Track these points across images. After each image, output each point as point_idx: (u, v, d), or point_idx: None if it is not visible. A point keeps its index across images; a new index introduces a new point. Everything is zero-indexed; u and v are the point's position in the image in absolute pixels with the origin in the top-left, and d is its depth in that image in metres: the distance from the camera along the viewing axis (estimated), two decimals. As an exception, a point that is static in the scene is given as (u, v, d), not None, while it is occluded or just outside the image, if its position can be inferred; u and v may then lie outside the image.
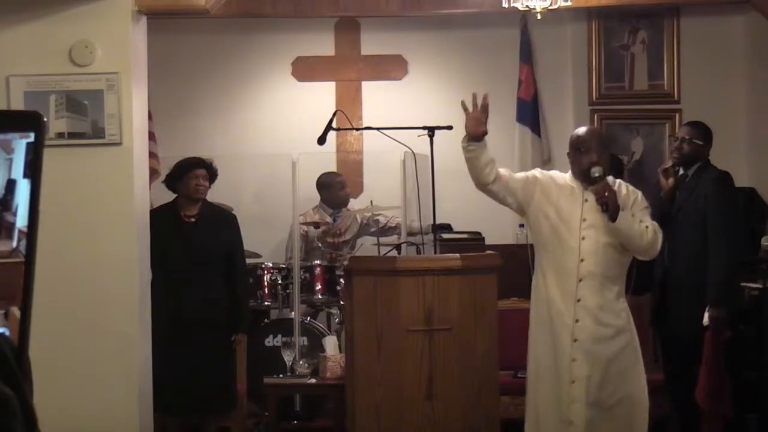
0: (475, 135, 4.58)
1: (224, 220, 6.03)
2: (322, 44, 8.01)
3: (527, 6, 6.41)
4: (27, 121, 1.36)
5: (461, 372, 4.89)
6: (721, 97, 7.77)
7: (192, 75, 7.91)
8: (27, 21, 5.13)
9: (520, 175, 4.81)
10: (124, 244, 5.14)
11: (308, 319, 6.82)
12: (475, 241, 5.91)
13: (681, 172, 5.78)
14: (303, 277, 6.70)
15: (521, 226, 6.83)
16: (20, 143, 1.34)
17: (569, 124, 7.54)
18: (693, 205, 5.64)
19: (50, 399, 4.02)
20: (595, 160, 4.60)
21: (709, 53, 7.84)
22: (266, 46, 7.96)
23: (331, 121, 5.73)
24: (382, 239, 6.69)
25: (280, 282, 6.78)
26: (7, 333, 1.31)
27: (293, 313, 6.59)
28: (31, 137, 1.34)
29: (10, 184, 1.33)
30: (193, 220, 5.91)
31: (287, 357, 6.02)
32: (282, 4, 7.09)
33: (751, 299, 6.19)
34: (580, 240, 4.60)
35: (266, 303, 6.85)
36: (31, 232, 1.31)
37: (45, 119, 1.36)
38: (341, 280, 6.51)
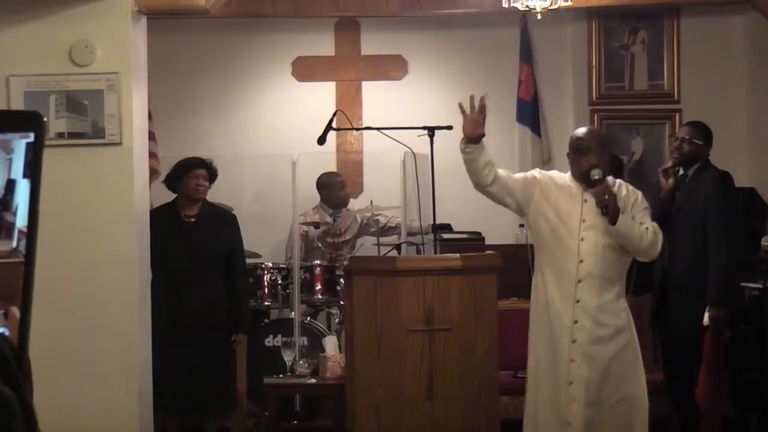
0: (473, 137, 4.58)
1: (224, 220, 6.03)
2: (322, 44, 8.01)
3: (527, 6, 6.41)
4: (27, 121, 1.36)
5: (461, 372, 4.89)
6: (721, 97, 7.77)
7: (192, 75, 7.91)
8: (27, 21, 5.13)
9: (519, 175, 4.81)
10: (124, 244, 5.14)
11: (308, 319, 6.82)
12: (475, 241, 5.91)
13: (681, 172, 5.78)
14: (303, 277, 6.70)
15: (521, 226, 6.82)
16: (20, 143, 1.34)
17: (569, 124, 7.55)
18: (693, 205, 5.64)
19: (50, 399, 4.02)
20: (595, 162, 4.59)
21: (709, 53, 7.84)
22: (266, 46, 7.96)
23: (331, 121, 5.73)
24: (382, 239, 6.69)
25: (280, 282, 6.78)
26: (7, 333, 1.31)
27: (293, 313, 6.59)
28: (31, 137, 1.34)
29: (10, 184, 1.33)
30: (193, 220, 5.91)
31: (287, 357, 6.02)
32: (282, 4, 7.09)
33: (751, 299, 6.19)
34: (579, 241, 4.60)
35: (266, 303, 6.85)
36: (31, 233, 1.31)
37: (45, 119, 1.36)
38: (341, 280, 6.51)
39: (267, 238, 7.51)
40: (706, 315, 5.48)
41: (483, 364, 4.94)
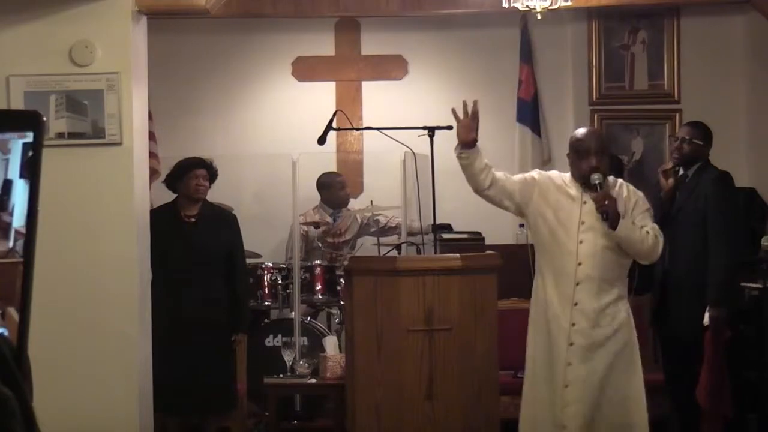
0: (465, 142, 4.59)
1: (224, 220, 6.03)
2: (323, 44, 8.01)
3: (527, 6, 6.41)
4: (26, 120, 1.36)
5: (461, 372, 4.89)
6: (721, 97, 7.77)
7: (192, 75, 7.91)
8: (27, 21, 5.13)
9: (518, 177, 4.80)
10: (124, 244, 5.14)
11: (308, 319, 6.82)
12: (475, 241, 5.90)
13: (681, 172, 5.78)
14: (303, 277, 6.69)
15: (521, 226, 6.82)
16: (17, 143, 1.34)
17: (569, 124, 7.54)
18: (693, 205, 5.64)
19: (50, 399, 4.02)
20: (595, 164, 4.57)
21: (709, 53, 7.84)
22: (266, 46, 7.96)
23: (331, 121, 5.73)
24: (382, 239, 6.69)
25: (280, 282, 6.78)
26: (6, 333, 1.31)
27: (293, 313, 6.59)
28: (28, 137, 1.34)
29: (7, 185, 1.33)
30: (193, 220, 5.92)
31: (287, 357, 6.02)
32: (282, 4, 7.09)
33: (751, 299, 6.18)
34: (577, 243, 4.58)
35: (266, 303, 6.85)
36: (30, 233, 1.31)
37: (44, 119, 1.36)
38: (341, 280, 6.51)
39: (267, 238, 7.51)
40: (706, 315, 5.48)
41: (483, 364, 4.94)
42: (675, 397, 5.82)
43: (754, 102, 7.66)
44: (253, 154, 7.80)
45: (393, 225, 7.38)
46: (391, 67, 8.02)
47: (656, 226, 4.65)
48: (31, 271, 1.31)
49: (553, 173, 4.83)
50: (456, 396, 4.88)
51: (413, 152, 5.65)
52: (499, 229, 7.21)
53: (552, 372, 4.60)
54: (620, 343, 4.59)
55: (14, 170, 1.33)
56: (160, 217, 5.78)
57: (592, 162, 4.58)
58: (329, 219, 7.42)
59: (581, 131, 4.84)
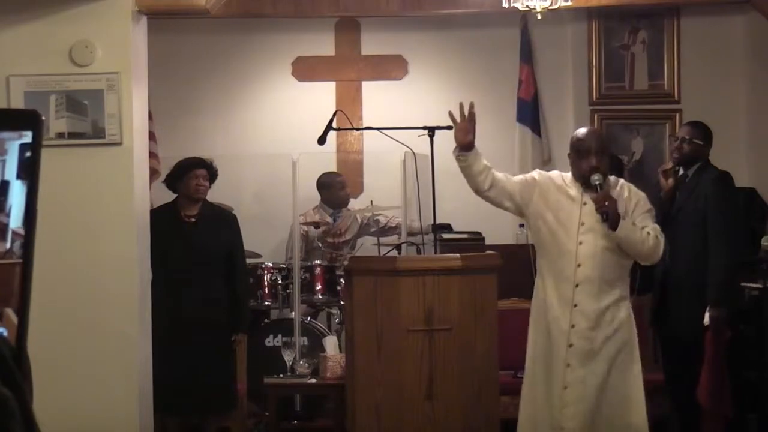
0: (463, 144, 4.59)
1: (224, 220, 6.03)
2: (323, 44, 8.01)
3: (527, 6, 6.41)
4: (25, 119, 1.36)
5: (461, 372, 4.89)
6: (721, 97, 7.76)
7: (192, 75, 7.91)
8: (27, 21, 5.13)
9: (518, 178, 4.80)
10: (124, 244, 5.14)
11: (308, 319, 6.82)
12: (475, 241, 5.90)
13: (681, 172, 5.78)
14: (303, 277, 6.69)
15: (521, 226, 6.82)
16: (13, 144, 1.34)
17: (569, 124, 7.55)
18: (693, 205, 5.64)
19: (50, 399, 4.02)
20: (595, 165, 4.56)
21: (709, 53, 7.84)
22: (266, 46, 7.96)
23: (331, 121, 5.73)
24: (382, 239, 6.69)
25: (280, 282, 6.78)
26: (5, 333, 1.31)
27: (293, 313, 6.59)
28: (25, 138, 1.34)
29: (3, 186, 1.33)
30: (193, 220, 5.92)
31: (287, 357, 6.02)
32: (282, 4, 7.09)
33: (751, 299, 6.18)
34: (577, 245, 4.57)
35: (266, 303, 6.85)
36: (29, 233, 1.31)
37: (43, 118, 1.36)
38: (341, 280, 6.51)
39: (267, 238, 7.51)
40: (707, 315, 5.48)
41: (483, 364, 4.94)
42: (675, 397, 5.82)
43: (754, 102, 7.66)
44: (253, 154, 7.80)
45: (393, 225, 7.38)
46: (391, 67, 8.02)
47: (657, 227, 4.63)
48: (30, 272, 1.31)
49: (554, 173, 4.82)
50: (456, 396, 4.88)
51: (413, 152, 5.65)
52: (499, 229, 7.20)
53: (551, 373, 4.59)
54: (620, 343, 4.58)
55: (11, 171, 1.32)
56: (160, 217, 5.78)
57: (593, 162, 4.57)
58: (329, 219, 7.42)
59: (582, 131, 4.83)
